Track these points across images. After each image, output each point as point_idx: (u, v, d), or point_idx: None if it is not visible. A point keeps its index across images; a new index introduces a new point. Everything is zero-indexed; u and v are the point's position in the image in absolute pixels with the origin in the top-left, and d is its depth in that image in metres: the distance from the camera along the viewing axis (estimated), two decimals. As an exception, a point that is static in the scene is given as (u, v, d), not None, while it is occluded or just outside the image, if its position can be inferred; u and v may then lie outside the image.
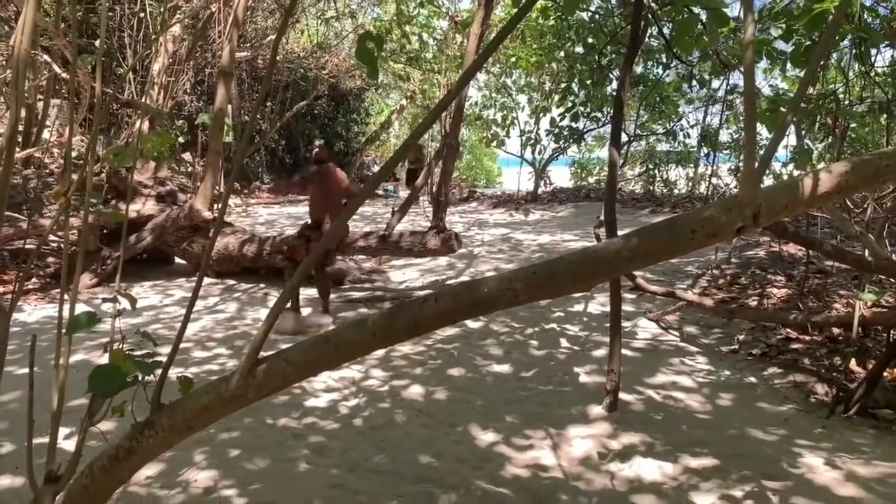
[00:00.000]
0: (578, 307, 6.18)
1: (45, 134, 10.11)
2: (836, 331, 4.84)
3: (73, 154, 7.55)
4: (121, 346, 1.95)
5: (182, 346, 4.80)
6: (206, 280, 7.26)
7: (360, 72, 16.93)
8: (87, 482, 1.92)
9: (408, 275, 7.76)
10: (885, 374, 3.91)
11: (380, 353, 4.78)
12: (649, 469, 3.14)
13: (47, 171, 9.78)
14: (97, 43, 2.16)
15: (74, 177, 2.47)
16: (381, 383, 4.27)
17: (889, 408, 3.77)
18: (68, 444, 2.75)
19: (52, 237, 6.74)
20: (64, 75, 8.12)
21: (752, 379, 4.40)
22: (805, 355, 4.66)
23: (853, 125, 7.24)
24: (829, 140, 6.42)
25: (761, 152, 1.91)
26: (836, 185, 1.64)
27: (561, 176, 17.39)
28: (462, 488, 2.92)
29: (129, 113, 11.40)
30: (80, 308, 2.04)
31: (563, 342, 5.20)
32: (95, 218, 6.52)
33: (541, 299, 2.06)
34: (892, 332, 4.15)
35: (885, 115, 5.71)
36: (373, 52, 1.78)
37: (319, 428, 3.57)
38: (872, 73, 5.46)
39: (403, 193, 13.76)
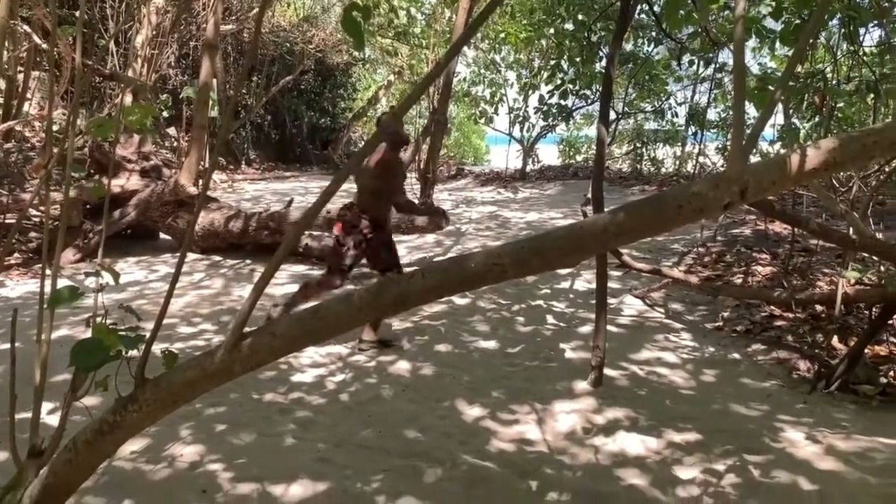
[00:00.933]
0: (565, 284, 6.20)
1: (26, 107, 9.95)
2: (819, 308, 4.89)
3: (55, 128, 7.44)
4: (104, 321, 1.94)
5: (167, 321, 4.77)
6: (192, 256, 7.21)
7: (347, 46, 16.74)
8: (70, 456, 1.91)
9: (395, 251, 7.74)
10: (866, 350, 3.96)
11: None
12: (633, 443, 3.18)
13: (28, 145, 9.63)
14: (78, 14, 2.10)
15: (56, 150, 2.43)
16: (367, 359, 4.28)
17: (869, 383, 3.82)
18: (52, 420, 2.73)
19: (34, 212, 6.65)
20: (44, 46, 7.96)
21: (736, 355, 4.45)
22: (788, 332, 4.70)
23: (840, 104, 7.26)
24: (817, 119, 6.44)
25: (749, 130, 1.91)
26: (823, 161, 1.64)
27: (549, 154, 17.35)
28: (448, 462, 2.94)
29: (112, 86, 11.24)
30: (63, 283, 2.01)
31: (550, 319, 5.22)
32: (78, 192, 6.45)
33: (528, 275, 2.06)
34: (873, 309, 4.20)
35: (872, 95, 5.73)
36: (359, 23, 1.75)
37: (306, 403, 3.58)
38: (861, 53, 5.46)
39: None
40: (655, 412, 3.53)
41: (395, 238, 8.18)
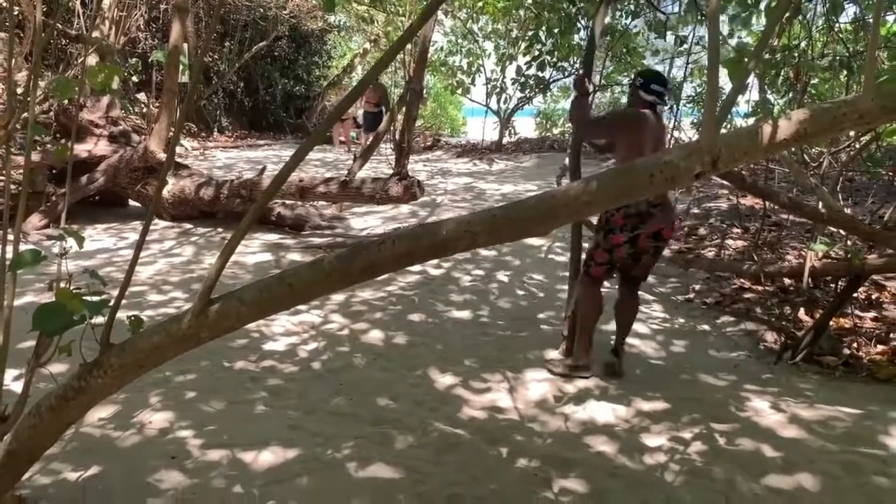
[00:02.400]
0: (539, 255, 6.22)
1: (-11, 68, 9.62)
2: (787, 281, 4.98)
3: (18, 91, 7.22)
4: (68, 286, 1.89)
5: (137, 289, 4.73)
6: (162, 224, 7.10)
7: (321, 12, 16.41)
8: (34, 422, 1.88)
9: (369, 222, 7.70)
10: (831, 322, 4.05)
11: (339, 297, 4.77)
12: (602, 412, 3.22)
13: (-8, 107, 9.34)
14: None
15: (18, 112, 2.35)
16: (340, 327, 4.27)
17: (833, 355, 3.92)
18: (16, 386, 2.68)
19: (-2, 176, 6.48)
20: (4, 4, 7.69)
21: (706, 327, 4.52)
22: (757, 305, 4.79)
23: (815, 81, 7.31)
24: (791, 95, 6.48)
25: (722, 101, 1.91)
26: (794, 132, 1.64)
27: (526, 126, 17.29)
28: (419, 429, 2.96)
29: (79, 49, 10.92)
30: (27, 248, 1.96)
31: (523, 289, 5.25)
32: (42, 156, 6.29)
33: (500, 242, 2.05)
34: (839, 282, 4.28)
35: (845, 72, 5.77)
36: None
37: (277, 371, 3.56)
38: (836, 28, 5.49)
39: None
40: (625, 381, 3.58)
41: (368, 209, 8.16)
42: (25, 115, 2.05)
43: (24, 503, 2.23)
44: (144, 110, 11.97)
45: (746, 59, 2.77)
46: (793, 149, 4.40)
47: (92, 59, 7.35)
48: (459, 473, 2.62)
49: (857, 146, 5.48)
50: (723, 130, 1.77)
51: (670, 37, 10.14)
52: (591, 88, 3.81)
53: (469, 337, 4.23)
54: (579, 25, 11.34)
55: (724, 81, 2.40)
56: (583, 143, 4.01)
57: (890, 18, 5.75)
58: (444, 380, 3.54)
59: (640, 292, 3.87)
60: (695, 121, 13.66)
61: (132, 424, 2.88)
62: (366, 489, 2.48)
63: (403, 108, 8.43)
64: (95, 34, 8.02)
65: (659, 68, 14.14)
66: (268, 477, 2.53)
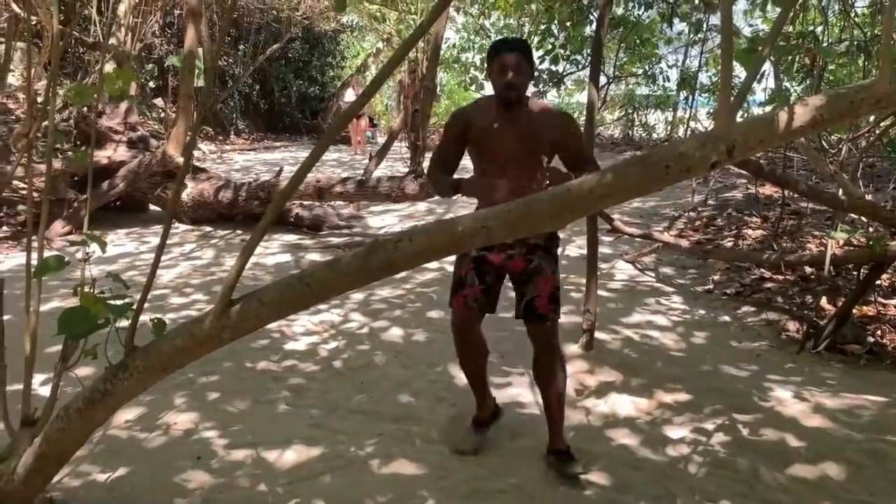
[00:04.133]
0: (557, 250, 6.19)
1: (10, 79, 9.78)
2: (808, 270, 4.92)
3: (38, 99, 7.32)
4: (92, 290, 1.93)
5: (159, 292, 4.78)
6: (182, 227, 7.18)
7: (334, 13, 16.47)
8: (63, 424, 1.92)
9: (386, 220, 7.73)
10: (853, 310, 4.00)
11: (359, 296, 4.79)
12: (624, 405, 3.21)
13: (13, 116, 9.49)
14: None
15: (38, 120, 2.39)
16: (360, 326, 4.29)
17: (857, 343, 3.87)
18: (44, 390, 2.74)
19: (22, 185, 6.59)
20: (22, 14, 7.80)
21: (726, 317, 4.49)
22: (778, 294, 4.74)
23: (831, 67, 7.22)
24: (808, 82, 6.40)
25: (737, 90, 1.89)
26: (811, 119, 1.63)
27: (540, 120, 17.23)
28: (441, 426, 2.97)
29: (96, 57, 11.05)
30: (51, 255, 2.00)
31: (541, 284, 5.24)
32: (64, 164, 6.39)
33: (515, 236, 2.06)
34: (861, 269, 4.23)
35: (863, 57, 5.69)
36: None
37: (299, 370, 3.59)
38: (852, 14, 5.41)
39: (381, 139, 13.59)
40: (646, 374, 3.57)
41: (385, 207, 8.18)
42: (45, 123, 2.09)
43: (55, 504, 2.27)
44: (162, 115, 12.09)
45: (760, 48, 2.75)
46: (810, 136, 4.35)
47: (109, 66, 7.44)
48: (480, 468, 2.63)
49: (877, 131, 5.41)
50: (738, 119, 1.76)
51: (682, 25, 10.01)
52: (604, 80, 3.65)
53: (488, 332, 4.19)
54: (592, 17, 11.27)
55: (739, 70, 2.37)
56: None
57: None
58: (464, 376, 3.54)
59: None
60: (710, 111, 13.54)
61: (158, 426, 2.92)
62: (388, 485, 2.50)
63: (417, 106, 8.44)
64: (112, 41, 8.11)
65: (672, 58, 14.03)
66: (292, 475, 2.56)
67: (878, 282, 4.20)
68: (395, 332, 4.19)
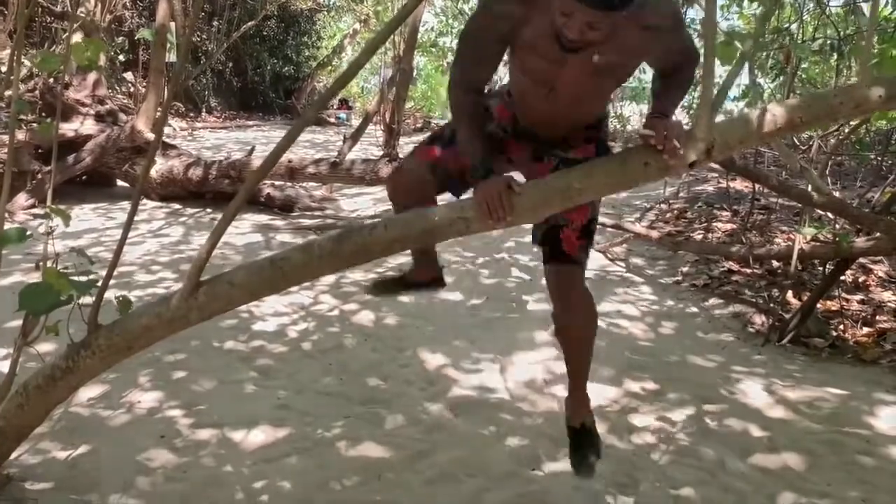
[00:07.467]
0: (530, 238, 6.21)
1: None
2: (775, 264, 5.00)
3: (1, 68, 7.10)
4: (55, 265, 1.88)
5: (125, 269, 4.69)
6: (151, 204, 7.04)
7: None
8: (22, 401, 1.87)
9: (359, 203, 7.67)
10: (818, 305, 4.08)
11: (330, 279, 4.75)
12: (592, 392, 3.20)
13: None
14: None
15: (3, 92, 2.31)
16: (330, 308, 4.26)
17: (820, 337, 3.95)
18: (3, 366, 2.67)
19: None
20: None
21: (694, 309, 4.54)
22: (745, 287, 4.81)
23: (805, 65, 7.31)
24: (781, 79, 6.48)
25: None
26: (789, 120, 1.64)
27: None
28: (409, 409, 2.96)
29: (64, 27, 10.75)
30: (13, 227, 1.94)
31: (514, 271, 5.25)
32: (28, 135, 6.21)
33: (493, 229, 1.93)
34: (827, 265, 4.31)
35: (835, 55, 5.77)
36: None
37: (267, 351, 3.56)
38: (826, 13, 5.48)
39: (356, 121, 13.47)
40: (614, 363, 3.59)
41: (358, 190, 8.11)
42: (9, 92, 2.02)
43: (12, 482, 2.22)
44: (131, 90, 11.82)
45: (738, 44, 2.76)
46: (783, 132, 4.41)
47: (77, 37, 7.24)
48: (449, 452, 2.63)
49: (846, 130, 5.50)
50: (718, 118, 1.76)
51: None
52: None
53: (459, 318, 4.24)
54: None
55: (717, 67, 2.36)
56: None
57: (882, 1, 5.74)
58: (434, 360, 3.54)
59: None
60: (684, 104, 13.66)
61: (121, 404, 2.87)
62: (355, 468, 2.49)
63: (393, 89, 8.38)
64: (80, 11, 7.88)
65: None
66: (258, 456, 2.54)
67: (842, 277, 4.29)
68: (366, 316, 4.17)
